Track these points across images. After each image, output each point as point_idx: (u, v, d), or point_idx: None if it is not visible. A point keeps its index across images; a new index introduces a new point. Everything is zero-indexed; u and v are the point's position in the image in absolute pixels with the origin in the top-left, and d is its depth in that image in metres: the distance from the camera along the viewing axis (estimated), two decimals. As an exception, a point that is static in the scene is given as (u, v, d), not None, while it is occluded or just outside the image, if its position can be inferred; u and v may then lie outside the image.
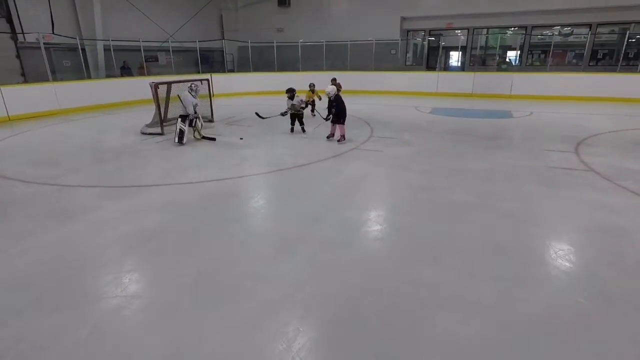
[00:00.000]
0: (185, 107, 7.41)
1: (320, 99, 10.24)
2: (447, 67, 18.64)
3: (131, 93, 13.13)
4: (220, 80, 15.63)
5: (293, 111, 8.15)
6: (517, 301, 2.66)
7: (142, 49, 14.53)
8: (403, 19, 17.35)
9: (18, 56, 12.17)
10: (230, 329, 2.43)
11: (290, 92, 8.02)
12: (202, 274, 3.04)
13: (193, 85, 7.53)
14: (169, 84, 8.83)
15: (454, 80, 15.57)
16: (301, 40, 17.31)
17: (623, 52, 13.43)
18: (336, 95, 7.22)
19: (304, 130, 8.31)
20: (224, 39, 19.32)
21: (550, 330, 2.38)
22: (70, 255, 3.37)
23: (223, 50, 19.15)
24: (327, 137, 7.58)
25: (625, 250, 3.34)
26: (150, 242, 3.61)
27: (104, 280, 2.98)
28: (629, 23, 14.45)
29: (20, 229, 3.91)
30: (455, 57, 18.94)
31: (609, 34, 15.36)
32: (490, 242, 3.51)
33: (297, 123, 8.34)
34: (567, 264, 3.14)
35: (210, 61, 19.10)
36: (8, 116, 10.16)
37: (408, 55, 18.48)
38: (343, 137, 7.34)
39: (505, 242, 3.52)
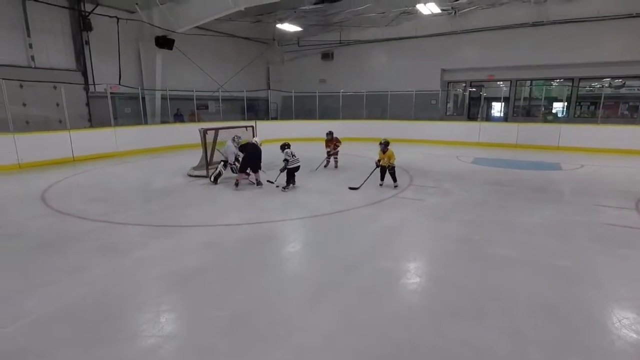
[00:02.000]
0: (226, 156, 8.05)
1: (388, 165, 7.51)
2: (488, 118, 18.43)
3: (182, 138, 14.08)
4: (264, 127, 16.41)
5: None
6: (576, 374, 2.38)
7: (194, 98, 15.81)
8: (443, 70, 17.70)
9: (87, 104, 13.63)
10: (262, 379, 2.36)
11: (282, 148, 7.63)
12: (237, 317, 3.03)
13: (236, 137, 8.23)
14: (217, 130, 9.41)
15: (497, 130, 15.28)
16: (342, 90, 18.04)
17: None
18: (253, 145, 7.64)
19: (284, 188, 7.40)
20: (269, 88, 20.59)
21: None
22: (115, 291, 3.50)
23: (268, 99, 20.34)
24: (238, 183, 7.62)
25: None
26: (189, 281, 3.68)
27: (143, 318, 3.05)
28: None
29: (73, 262, 4.15)
30: (497, 108, 18.75)
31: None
32: (540, 303, 3.23)
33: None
34: (635, 335, 2.80)
35: (255, 109, 20.29)
36: (73, 157, 11.19)
37: (448, 105, 18.58)
38: (237, 183, 7.59)
39: (558, 303, 3.22)
